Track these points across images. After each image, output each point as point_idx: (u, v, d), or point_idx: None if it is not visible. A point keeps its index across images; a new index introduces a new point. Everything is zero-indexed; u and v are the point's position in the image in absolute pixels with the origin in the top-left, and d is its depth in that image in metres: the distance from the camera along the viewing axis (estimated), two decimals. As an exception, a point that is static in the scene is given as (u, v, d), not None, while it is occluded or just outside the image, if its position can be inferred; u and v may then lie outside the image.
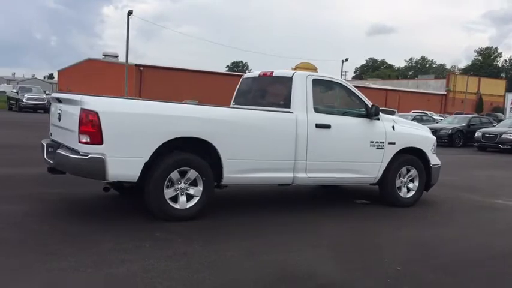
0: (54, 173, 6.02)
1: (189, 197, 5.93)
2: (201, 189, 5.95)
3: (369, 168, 7.23)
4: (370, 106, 7.11)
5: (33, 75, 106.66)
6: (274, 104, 7.05)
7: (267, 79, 7.40)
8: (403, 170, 7.57)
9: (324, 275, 4.44)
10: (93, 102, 5.36)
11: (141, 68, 53.71)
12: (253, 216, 6.50)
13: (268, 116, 6.59)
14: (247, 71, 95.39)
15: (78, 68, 61.16)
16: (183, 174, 5.85)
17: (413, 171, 7.66)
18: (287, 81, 6.87)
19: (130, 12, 43.46)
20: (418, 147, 7.66)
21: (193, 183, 5.93)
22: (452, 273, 4.71)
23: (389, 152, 7.34)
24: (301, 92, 6.72)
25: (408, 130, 7.66)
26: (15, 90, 36.22)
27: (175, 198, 5.84)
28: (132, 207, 6.43)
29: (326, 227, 6.13)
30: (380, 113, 7.31)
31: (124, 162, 5.48)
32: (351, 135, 7.06)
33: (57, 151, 5.62)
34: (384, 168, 7.35)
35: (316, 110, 6.79)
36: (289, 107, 6.70)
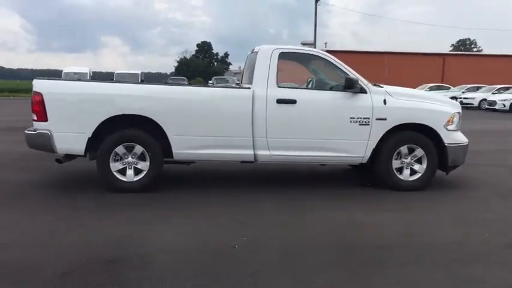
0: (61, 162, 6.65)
1: (139, 171, 6.33)
2: (148, 164, 6.29)
3: (350, 146, 6.56)
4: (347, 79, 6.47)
5: None
6: (249, 80, 6.93)
7: (252, 55, 7.30)
8: (403, 149, 6.66)
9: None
10: (39, 85, 6.15)
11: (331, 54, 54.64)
12: (199, 192, 6.51)
13: (219, 92, 6.57)
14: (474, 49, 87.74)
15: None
16: (130, 149, 6.28)
17: (419, 151, 6.67)
18: (255, 56, 6.72)
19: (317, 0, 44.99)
20: (422, 123, 6.64)
21: (142, 158, 6.31)
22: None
23: (379, 129, 6.55)
24: (263, 67, 6.51)
25: (408, 104, 6.67)
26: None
27: (124, 171, 6.30)
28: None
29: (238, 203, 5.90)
30: (368, 86, 6.59)
31: (68, 138, 6.15)
32: (321, 110, 6.52)
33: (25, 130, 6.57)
34: (373, 146, 6.59)
35: (281, 85, 6.49)
36: (251, 83, 6.56)
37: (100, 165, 6.23)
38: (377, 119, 6.54)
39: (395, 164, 6.68)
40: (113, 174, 6.24)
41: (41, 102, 6.06)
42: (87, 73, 36.37)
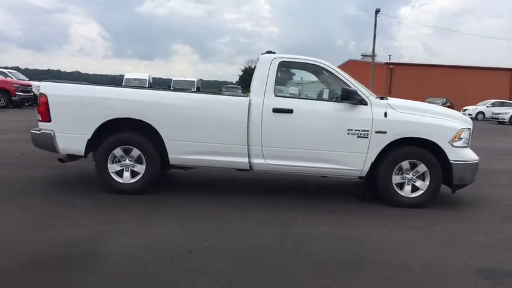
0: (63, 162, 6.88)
1: (136, 174, 6.48)
2: (144, 167, 6.43)
3: (348, 159, 6.41)
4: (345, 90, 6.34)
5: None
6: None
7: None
8: (404, 164, 6.43)
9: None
10: (45, 87, 6.46)
11: (391, 67, 53.43)
12: (190, 197, 6.55)
13: (216, 99, 6.62)
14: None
15: (342, 69, 63.87)
16: (128, 152, 6.44)
17: (421, 167, 6.42)
18: (256, 65, 6.73)
19: (377, 11, 44.56)
20: (425, 137, 6.39)
21: (139, 161, 6.46)
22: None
23: (378, 142, 6.36)
24: (261, 76, 6.51)
25: (410, 118, 6.43)
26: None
27: (121, 173, 6.48)
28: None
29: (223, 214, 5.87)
30: (369, 98, 6.43)
31: (70, 138, 6.40)
32: (318, 121, 6.40)
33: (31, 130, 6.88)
34: (372, 160, 6.41)
35: (279, 94, 6.46)
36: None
37: (98, 166, 6.43)
38: (376, 132, 6.35)
39: (396, 179, 6.46)
40: (110, 176, 6.43)
41: (46, 104, 6.35)
42: (146, 79, 37.62)
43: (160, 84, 49.81)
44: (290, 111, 6.36)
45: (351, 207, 6.45)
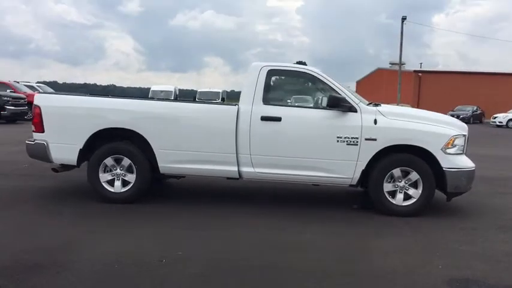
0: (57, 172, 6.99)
1: (127, 183, 6.55)
2: (135, 176, 6.50)
3: (338, 167, 6.32)
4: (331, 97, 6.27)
5: (349, 87, 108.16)
6: None
7: None
8: (396, 172, 6.30)
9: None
10: (38, 98, 6.62)
11: (420, 74, 52.57)
12: (178, 206, 6.57)
13: (204, 108, 6.65)
14: None
15: (371, 78, 63.33)
16: (119, 161, 6.53)
17: (413, 175, 6.28)
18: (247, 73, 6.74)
19: (404, 19, 44.16)
20: (416, 144, 6.26)
21: (130, 171, 6.53)
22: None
23: (368, 150, 6.26)
24: (250, 84, 6.50)
25: (400, 124, 6.30)
26: None
27: (113, 182, 6.56)
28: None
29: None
30: (359, 105, 6.34)
31: (63, 148, 6.53)
32: (307, 129, 6.36)
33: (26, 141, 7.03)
34: (363, 168, 6.31)
35: (267, 102, 6.44)
36: (241, 100, 6.58)
37: (90, 175, 6.53)
38: (366, 139, 6.26)
39: (387, 187, 6.33)
40: (102, 185, 6.51)
41: (39, 115, 6.51)
42: (172, 91, 38.10)
43: (187, 95, 50.36)
44: (278, 119, 6.33)
45: (340, 215, 6.35)
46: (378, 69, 62.94)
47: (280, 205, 6.84)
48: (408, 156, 6.31)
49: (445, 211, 6.68)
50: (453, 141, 6.30)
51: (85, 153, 6.53)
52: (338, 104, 6.25)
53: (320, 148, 6.34)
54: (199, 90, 40.26)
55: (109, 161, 6.50)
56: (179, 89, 43.15)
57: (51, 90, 29.18)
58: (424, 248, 5.05)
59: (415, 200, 6.32)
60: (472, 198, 7.34)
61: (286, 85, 7.14)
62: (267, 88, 6.50)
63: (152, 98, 7.40)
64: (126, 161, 6.49)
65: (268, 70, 6.55)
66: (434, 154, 6.24)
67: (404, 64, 59.44)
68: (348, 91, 6.50)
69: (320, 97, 6.80)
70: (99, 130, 6.44)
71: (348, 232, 5.59)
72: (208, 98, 36.05)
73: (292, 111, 6.49)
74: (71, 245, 4.73)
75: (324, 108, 6.43)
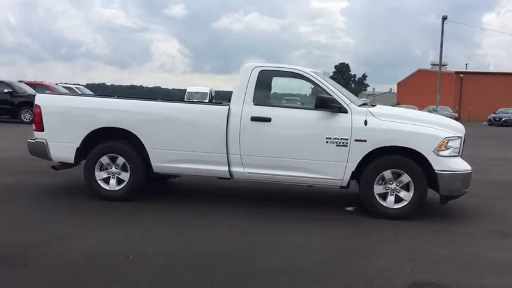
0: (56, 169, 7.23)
1: (121, 181, 6.71)
2: (129, 174, 6.65)
3: (327, 168, 6.27)
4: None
5: (391, 89, 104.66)
6: None
7: None
8: (387, 174, 6.19)
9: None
10: (39, 98, 6.88)
11: (461, 76, 51.08)
12: (170, 204, 6.68)
13: (195, 108, 6.72)
14: None
15: (412, 80, 61.99)
16: (114, 160, 6.69)
17: (405, 177, 6.16)
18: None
19: (444, 18, 43.28)
20: (406, 146, 6.13)
21: (124, 169, 6.69)
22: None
23: (358, 151, 6.18)
24: (242, 84, 6.54)
25: (390, 125, 6.18)
26: None
27: (108, 180, 6.73)
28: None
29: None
30: (350, 106, 6.27)
31: (61, 147, 6.76)
32: (296, 129, 6.34)
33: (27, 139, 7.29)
34: (353, 169, 6.24)
35: (258, 103, 6.46)
36: (234, 100, 6.62)
37: (86, 173, 6.73)
38: (356, 140, 6.18)
39: (378, 189, 6.24)
40: (97, 183, 6.70)
41: (39, 114, 6.76)
42: (207, 93, 38.38)
43: (223, 97, 50.65)
44: (268, 119, 6.35)
45: (330, 217, 6.30)
46: (419, 71, 61.64)
47: (270, 205, 6.84)
48: (399, 157, 6.20)
49: (440, 214, 6.53)
50: (446, 143, 6.14)
51: (82, 151, 6.74)
52: (326, 104, 6.21)
53: (309, 149, 6.31)
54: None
55: (105, 159, 6.68)
56: (215, 91, 43.32)
57: (89, 92, 30.08)
58: (403, 251, 4.95)
59: (406, 202, 6.19)
60: (474, 202, 7.15)
61: (277, 86, 7.12)
62: (258, 89, 6.52)
63: (147, 98, 7.50)
64: (121, 160, 6.65)
65: (260, 71, 6.57)
66: (426, 156, 6.10)
67: (446, 65, 57.99)
68: (339, 91, 6.44)
69: (311, 98, 6.77)
70: (95, 129, 6.63)
71: (329, 233, 5.55)
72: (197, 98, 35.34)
73: (282, 112, 6.48)
74: (50, 240, 4.89)
75: (314, 108, 6.39)
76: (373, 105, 6.66)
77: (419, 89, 54.99)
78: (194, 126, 6.53)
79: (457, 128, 6.54)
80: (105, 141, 6.74)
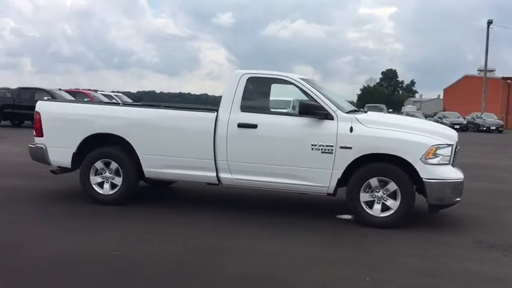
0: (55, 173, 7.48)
1: (115, 186, 6.89)
2: (121, 179, 6.82)
3: (313, 175, 6.22)
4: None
5: (439, 96, 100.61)
6: None
7: None
8: (373, 181, 6.08)
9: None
10: (39, 105, 7.16)
11: (508, 82, 49.18)
12: (164, 209, 6.78)
13: (184, 115, 6.80)
14: None
15: (458, 86, 60.18)
16: (108, 165, 6.88)
17: (391, 185, 6.03)
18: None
19: (489, 22, 42.00)
20: (392, 153, 6.00)
21: (118, 174, 6.86)
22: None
23: (344, 158, 6.10)
24: (230, 91, 6.60)
25: (376, 132, 6.07)
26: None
27: (102, 185, 6.92)
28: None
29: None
30: (337, 112, 6.21)
31: (59, 152, 7.00)
32: (282, 136, 6.32)
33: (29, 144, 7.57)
34: (339, 177, 6.16)
35: (245, 109, 6.49)
36: (221, 107, 6.69)
37: (82, 177, 6.94)
38: (341, 147, 6.11)
39: (364, 197, 6.13)
40: (92, 187, 6.90)
41: (39, 120, 7.04)
42: (290, 100, 38.68)
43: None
44: (254, 126, 6.37)
45: (317, 224, 6.22)
46: (465, 76, 59.80)
47: (259, 212, 6.83)
48: (385, 165, 6.08)
49: (431, 224, 6.34)
50: (434, 151, 5.97)
51: (79, 156, 6.96)
52: (309, 111, 6.18)
53: (294, 156, 6.28)
54: (270, 99, 40.44)
55: (99, 164, 6.87)
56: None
57: (128, 100, 30.87)
58: (371, 260, 4.85)
59: (393, 211, 6.06)
60: (466, 212, 6.92)
61: (265, 92, 7.13)
62: (246, 95, 6.56)
63: (141, 105, 7.69)
64: (114, 165, 6.82)
65: (248, 78, 6.61)
66: (413, 164, 5.96)
67: (494, 71, 56.07)
68: (327, 98, 6.38)
69: (298, 104, 6.73)
70: (91, 135, 6.84)
71: (300, 240, 5.50)
72: (279, 106, 35.79)
73: (268, 119, 6.49)
74: (24, 242, 5.09)
75: (300, 115, 6.36)
76: (365, 112, 6.56)
77: (465, 95, 53.35)
78: (183, 133, 6.63)
79: (449, 136, 6.35)
80: (101, 146, 6.95)
